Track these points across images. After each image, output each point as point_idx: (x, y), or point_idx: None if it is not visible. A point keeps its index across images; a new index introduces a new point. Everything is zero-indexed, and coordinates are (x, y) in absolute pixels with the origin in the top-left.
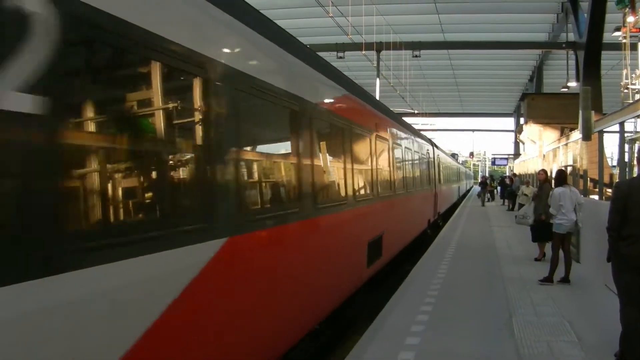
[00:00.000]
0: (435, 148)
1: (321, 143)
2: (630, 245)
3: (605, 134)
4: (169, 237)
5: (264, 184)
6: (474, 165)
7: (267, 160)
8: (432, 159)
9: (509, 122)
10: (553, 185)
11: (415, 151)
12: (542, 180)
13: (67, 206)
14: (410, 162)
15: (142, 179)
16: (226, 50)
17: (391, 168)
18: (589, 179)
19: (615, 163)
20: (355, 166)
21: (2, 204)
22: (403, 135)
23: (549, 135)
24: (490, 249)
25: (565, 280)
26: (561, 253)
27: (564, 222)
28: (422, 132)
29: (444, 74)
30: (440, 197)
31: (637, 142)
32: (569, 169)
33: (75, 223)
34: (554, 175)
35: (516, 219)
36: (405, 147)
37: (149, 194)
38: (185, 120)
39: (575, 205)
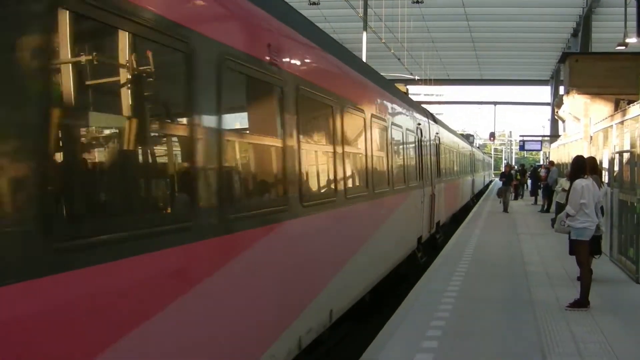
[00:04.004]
0: None
1: None
2: None
3: None
4: None
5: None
6: (495, 150)
7: None
8: None
9: (544, 93)
10: (569, 176)
11: None
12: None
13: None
14: None
15: None
16: None
17: None
18: None
19: None
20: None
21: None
22: None
23: (599, 109)
24: (515, 265)
25: (581, 303)
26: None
27: (589, 224)
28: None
29: (456, 26)
30: None
31: None
32: (626, 156)
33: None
34: (571, 165)
35: (554, 224)
36: None
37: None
38: None
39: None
